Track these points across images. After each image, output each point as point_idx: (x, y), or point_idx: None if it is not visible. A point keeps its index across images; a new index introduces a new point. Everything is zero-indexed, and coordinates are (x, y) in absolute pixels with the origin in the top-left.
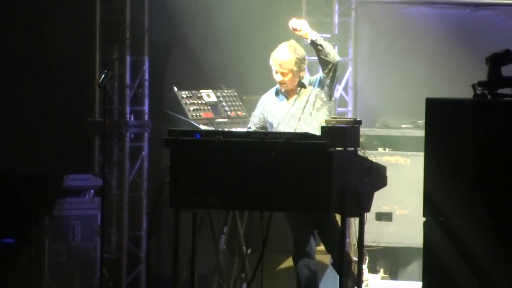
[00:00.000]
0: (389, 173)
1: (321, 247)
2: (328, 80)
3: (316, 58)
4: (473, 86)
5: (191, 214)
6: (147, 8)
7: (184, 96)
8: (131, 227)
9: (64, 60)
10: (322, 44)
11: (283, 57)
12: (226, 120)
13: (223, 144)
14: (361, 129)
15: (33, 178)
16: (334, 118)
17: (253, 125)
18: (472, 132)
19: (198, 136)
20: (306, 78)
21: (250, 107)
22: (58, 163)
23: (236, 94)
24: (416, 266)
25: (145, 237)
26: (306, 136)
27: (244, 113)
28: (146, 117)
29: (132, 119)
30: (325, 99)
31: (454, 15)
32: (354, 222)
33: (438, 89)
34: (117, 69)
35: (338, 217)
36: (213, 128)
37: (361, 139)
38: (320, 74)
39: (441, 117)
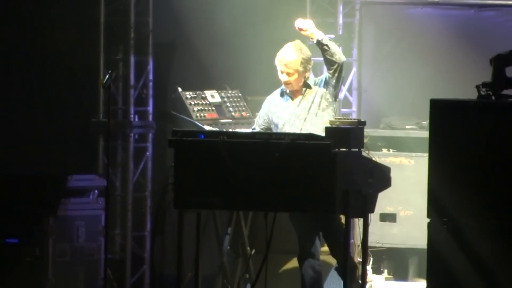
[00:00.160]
0: (393, 174)
1: (326, 248)
2: (334, 81)
3: (321, 58)
4: (477, 87)
5: (195, 215)
6: (151, 8)
7: (189, 96)
8: (135, 228)
9: (68, 61)
10: (328, 44)
11: (289, 57)
12: (230, 120)
13: (227, 145)
14: (365, 130)
15: (37, 178)
16: (338, 119)
17: (257, 126)
18: (476, 133)
19: (202, 137)
20: (311, 78)
21: (254, 108)
22: (62, 163)
23: (240, 94)
24: (420, 267)
25: (149, 238)
26: (310, 137)
27: (248, 114)
28: (150, 117)
29: (136, 119)
30: (330, 99)
31: (458, 16)
32: (358, 223)
33: (442, 90)
34: (121, 70)
35: (343, 220)
36: (217, 129)
37: (365, 140)
38: (325, 74)
39: (445, 118)
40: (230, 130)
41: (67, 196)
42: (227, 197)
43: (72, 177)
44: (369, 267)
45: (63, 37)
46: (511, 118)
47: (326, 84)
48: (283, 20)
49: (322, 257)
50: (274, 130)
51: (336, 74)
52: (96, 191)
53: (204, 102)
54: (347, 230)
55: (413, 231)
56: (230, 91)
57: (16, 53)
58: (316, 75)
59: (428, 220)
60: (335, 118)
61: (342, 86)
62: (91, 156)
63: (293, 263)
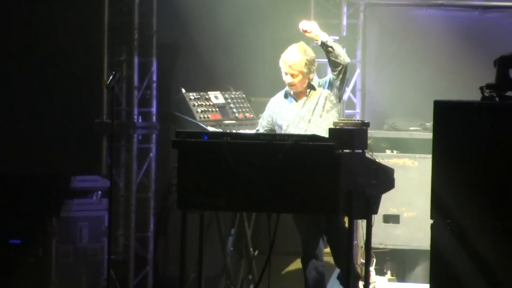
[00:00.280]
0: (396, 175)
1: (329, 249)
2: (338, 82)
3: (325, 60)
4: (481, 88)
5: (198, 216)
6: (155, 9)
7: (192, 97)
8: (138, 229)
9: (72, 62)
10: (333, 46)
11: (293, 58)
12: (234, 122)
13: (230, 146)
14: (369, 131)
15: (41, 179)
16: (342, 120)
17: (261, 128)
18: (480, 134)
19: (206, 138)
20: (315, 80)
21: (258, 109)
22: (65, 164)
23: (244, 95)
24: (424, 269)
25: (153, 239)
26: (314, 138)
27: (252, 115)
28: (154, 118)
29: (140, 120)
30: (334, 101)
31: (462, 17)
32: (361, 224)
33: (446, 92)
34: (125, 71)
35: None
36: (221, 130)
37: (369, 141)
38: (329, 76)
39: (449, 119)
40: (234, 131)
41: (70, 197)
42: (230, 198)
43: (76, 178)
44: (372, 269)
45: (67, 38)
46: None
47: (330, 85)
48: (287, 21)
49: (325, 259)
50: (278, 132)
51: (340, 76)
52: (99, 192)
53: (207, 103)
54: (350, 232)
55: (417, 233)
56: (233, 92)
57: (20, 54)
58: (320, 77)
59: (431, 221)
60: (339, 120)
61: (346, 88)
62: (95, 157)
63: (296, 264)
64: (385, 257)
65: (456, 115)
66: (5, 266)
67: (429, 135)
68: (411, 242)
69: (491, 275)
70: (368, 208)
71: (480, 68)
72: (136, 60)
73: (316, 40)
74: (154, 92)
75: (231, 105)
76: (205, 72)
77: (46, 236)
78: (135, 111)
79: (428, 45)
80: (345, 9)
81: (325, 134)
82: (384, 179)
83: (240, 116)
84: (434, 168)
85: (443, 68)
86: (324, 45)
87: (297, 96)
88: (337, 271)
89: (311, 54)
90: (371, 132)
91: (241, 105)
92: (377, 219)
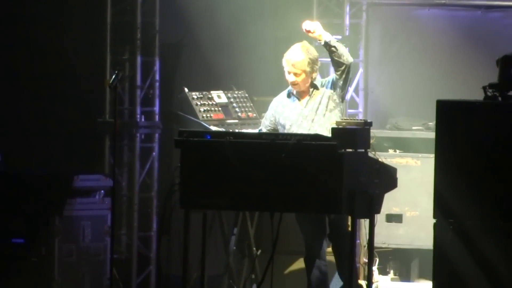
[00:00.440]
0: (399, 175)
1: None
2: (341, 82)
3: (328, 59)
4: (484, 88)
5: (201, 215)
6: (158, 9)
7: (195, 97)
8: (141, 228)
9: (75, 61)
10: (336, 46)
11: (296, 57)
12: (236, 121)
13: (233, 145)
14: (371, 130)
15: (43, 178)
16: (345, 119)
17: (264, 128)
18: (482, 134)
19: (209, 137)
20: (318, 80)
21: (260, 108)
22: (68, 163)
23: (246, 95)
24: (426, 268)
25: (155, 238)
26: (317, 137)
27: (254, 114)
28: (157, 117)
29: (143, 119)
30: (337, 100)
31: (465, 17)
32: (364, 223)
33: (449, 91)
34: (127, 70)
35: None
36: (224, 129)
37: (372, 141)
38: (332, 75)
39: (451, 119)
40: (237, 130)
41: (73, 196)
42: (233, 198)
43: (78, 177)
44: (375, 268)
45: (70, 37)
46: None
47: (333, 85)
48: (290, 21)
49: (328, 258)
50: (281, 131)
51: (343, 75)
52: (102, 191)
53: (210, 103)
54: (353, 232)
55: (419, 232)
56: (236, 92)
57: (23, 53)
58: (323, 76)
59: (434, 220)
60: (342, 119)
61: (349, 87)
62: (97, 156)
63: (299, 263)
64: (388, 257)
65: (459, 114)
66: (8, 265)
67: (431, 135)
68: (413, 241)
69: (493, 274)
70: (371, 208)
71: (482, 68)
72: (138, 59)
73: (319, 40)
74: (157, 91)
75: (234, 105)
76: (208, 71)
77: (49, 235)
78: (138, 110)
79: (431, 45)
80: (347, 9)
81: (328, 133)
82: (386, 178)
83: (243, 115)
84: (437, 168)
85: (445, 68)
86: (327, 45)
87: (300, 96)
88: None
89: (314, 53)
90: (374, 132)
91: (244, 104)
92: (379, 218)
